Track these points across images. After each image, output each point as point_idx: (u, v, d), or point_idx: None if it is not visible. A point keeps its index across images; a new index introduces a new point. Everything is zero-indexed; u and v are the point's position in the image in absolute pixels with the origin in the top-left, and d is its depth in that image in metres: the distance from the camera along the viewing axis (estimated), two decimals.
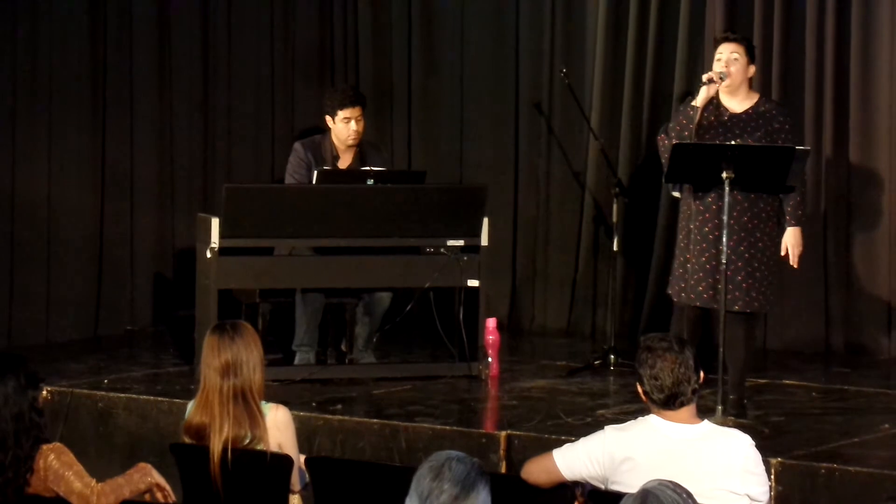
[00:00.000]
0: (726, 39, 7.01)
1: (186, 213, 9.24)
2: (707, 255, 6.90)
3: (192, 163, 9.68)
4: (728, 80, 6.90)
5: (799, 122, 8.50)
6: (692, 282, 6.94)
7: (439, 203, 7.73)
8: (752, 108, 6.97)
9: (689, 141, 6.82)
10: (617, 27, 9.20)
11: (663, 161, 6.96)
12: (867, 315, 8.54)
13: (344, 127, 7.95)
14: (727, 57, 6.92)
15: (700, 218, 6.92)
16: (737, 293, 6.86)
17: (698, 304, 6.95)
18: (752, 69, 7.03)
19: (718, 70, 6.90)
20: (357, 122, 7.95)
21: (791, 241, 6.96)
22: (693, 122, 6.85)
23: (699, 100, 6.88)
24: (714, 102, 6.98)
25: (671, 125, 6.99)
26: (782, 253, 6.97)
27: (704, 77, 6.92)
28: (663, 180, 7.08)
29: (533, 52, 9.55)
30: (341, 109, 7.94)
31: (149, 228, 9.49)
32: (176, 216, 9.55)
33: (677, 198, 7.13)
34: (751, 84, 7.07)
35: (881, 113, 8.44)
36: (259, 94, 9.94)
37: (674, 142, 6.84)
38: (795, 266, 7.08)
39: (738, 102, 6.97)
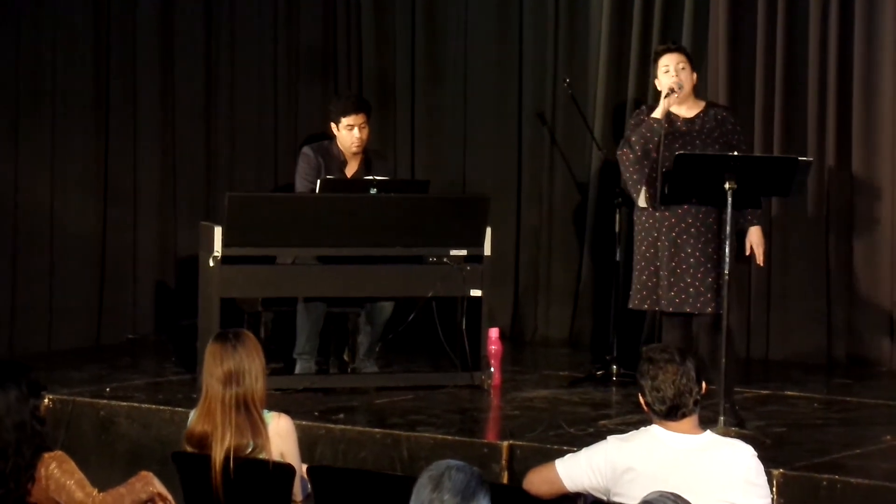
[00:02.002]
0: (669, 50, 7.15)
1: (189, 222, 9.24)
2: (676, 259, 6.94)
3: (195, 171, 9.69)
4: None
5: (799, 129, 8.57)
6: (661, 290, 6.97)
7: (442, 213, 7.73)
8: (702, 112, 7.08)
9: (654, 154, 6.88)
10: (620, 37, 9.20)
11: (626, 176, 7.05)
12: (869, 326, 8.53)
13: (348, 134, 7.95)
14: (675, 67, 7.00)
15: (666, 224, 6.97)
16: (709, 295, 6.90)
17: (671, 308, 6.98)
18: (695, 76, 7.13)
19: (673, 82, 6.96)
20: (361, 129, 7.95)
21: (756, 239, 7.05)
22: (658, 134, 6.90)
23: (660, 112, 6.96)
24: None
25: (634, 139, 7.01)
26: (746, 252, 7.00)
27: (666, 87, 6.97)
28: (633, 194, 7.07)
29: (536, 62, 9.56)
30: (345, 116, 7.94)
31: (151, 237, 9.49)
32: (178, 224, 9.55)
33: (642, 208, 7.13)
34: (695, 91, 7.13)
35: (884, 122, 8.44)
36: (262, 102, 9.94)
37: (637, 154, 6.92)
38: (762, 264, 7.12)
39: (686, 109, 7.08)
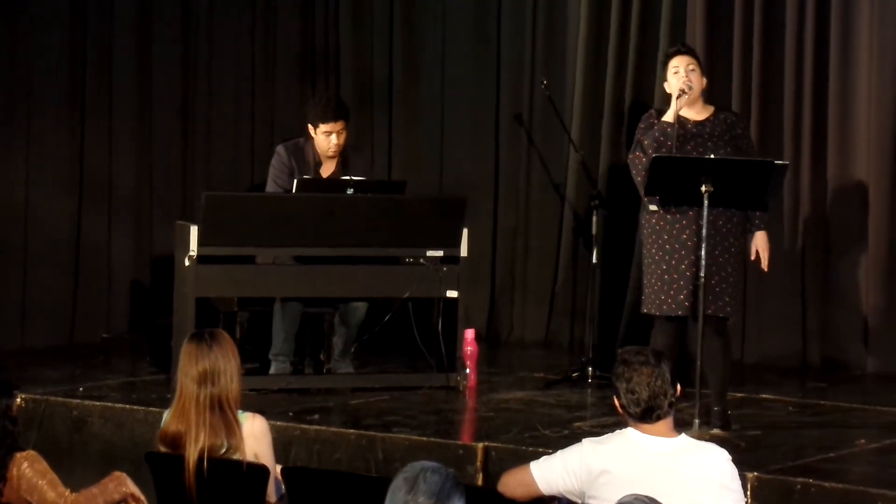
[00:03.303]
0: (679, 52, 7.08)
1: (165, 221, 9.22)
2: (686, 262, 6.91)
3: (171, 170, 9.67)
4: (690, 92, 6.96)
5: (775, 132, 8.58)
6: (672, 292, 6.94)
7: (419, 213, 7.72)
8: (712, 115, 7.04)
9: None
10: (598, 39, 9.22)
11: (638, 180, 6.98)
12: (844, 330, 8.55)
13: (325, 139, 7.93)
14: (685, 68, 6.97)
15: (677, 226, 6.94)
16: (710, 297, 6.87)
17: (680, 312, 6.94)
18: (705, 81, 7.09)
19: (683, 83, 6.93)
20: (338, 135, 7.92)
21: (761, 244, 7.02)
22: (671, 138, 6.87)
23: (671, 115, 6.91)
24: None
25: (646, 143, 6.97)
26: (752, 257, 7.00)
27: (677, 90, 6.93)
28: (644, 197, 7.04)
29: (514, 63, 9.57)
30: (322, 123, 7.90)
31: (127, 235, 9.46)
32: (154, 223, 9.52)
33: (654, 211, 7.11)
34: (704, 96, 7.13)
35: (860, 127, 8.46)
36: (239, 100, 9.93)
37: (653, 156, 6.86)
38: (766, 269, 7.12)
39: (695, 112, 7.03)
